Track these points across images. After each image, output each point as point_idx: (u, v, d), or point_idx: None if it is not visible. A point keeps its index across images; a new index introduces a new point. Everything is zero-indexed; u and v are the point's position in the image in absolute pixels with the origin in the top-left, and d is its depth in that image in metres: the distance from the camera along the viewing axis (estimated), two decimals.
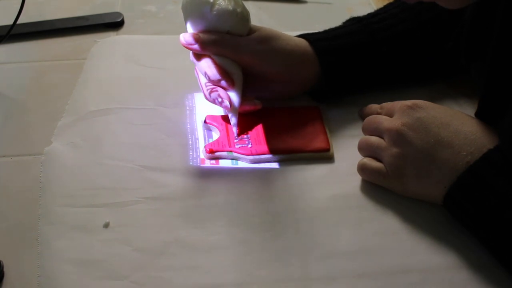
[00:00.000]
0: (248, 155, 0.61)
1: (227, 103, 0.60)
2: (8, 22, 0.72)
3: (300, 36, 0.67)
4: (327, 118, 0.66)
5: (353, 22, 0.69)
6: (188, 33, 0.61)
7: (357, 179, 0.59)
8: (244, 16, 0.62)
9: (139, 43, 0.80)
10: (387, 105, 0.61)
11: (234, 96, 0.61)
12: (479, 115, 0.56)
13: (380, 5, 0.74)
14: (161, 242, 0.53)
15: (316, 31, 0.68)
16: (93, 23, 0.85)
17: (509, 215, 0.48)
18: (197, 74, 0.64)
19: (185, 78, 0.71)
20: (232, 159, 0.61)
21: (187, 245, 0.53)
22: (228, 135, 0.63)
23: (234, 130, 0.62)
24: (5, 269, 0.51)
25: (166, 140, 0.63)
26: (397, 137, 0.55)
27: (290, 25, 0.85)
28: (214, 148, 0.61)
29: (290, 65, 0.64)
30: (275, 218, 0.55)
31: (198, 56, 0.63)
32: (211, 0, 0.60)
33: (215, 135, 0.64)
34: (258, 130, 0.63)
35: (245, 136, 0.63)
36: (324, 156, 0.62)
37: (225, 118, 0.64)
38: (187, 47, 0.62)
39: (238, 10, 0.61)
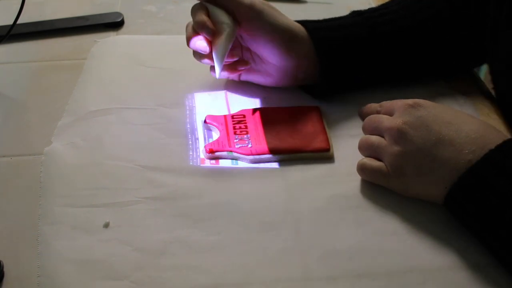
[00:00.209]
0: (248, 155, 0.61)
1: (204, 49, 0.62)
2: (8, 22, 0.72)
3: (298, 21, 0.67)
4: (327, 117, 0.66)
5: (354, 15, 0.69)
6: None
7: (357, 179, 0.59)
8: None
9: (139, 43, 0.80)
10: (386, 103, 0.60)
11: (221, 45, 0.62)
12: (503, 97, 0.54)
13: None
14: (161, 242, 0.53)
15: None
16: (93, 23, 0.85)
17: (510, 216, 0.48)
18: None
19: (185, 78, 0.71)
20: (232, 159, 0.61)
21: (187, 245, 0.53)
22: (228, 135, 0.63)
23: (217, 74, 0.63)
24: (5, 269, 0.51)
25: (166, 140, 0.63)
26: (398, 135, 0.55)
27: None
28: (214, 148, 0.61)
29: (283, 36, 0.64)
30: (275, 218, 0.55)
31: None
32: None
33: (215, 135, 0.64)
34: (258, 130, 0.63)
35: (245, 136, 0.63)
36: (324, 156, 0.61)
37: (226, 118, 0.65)
38: None
39: None
